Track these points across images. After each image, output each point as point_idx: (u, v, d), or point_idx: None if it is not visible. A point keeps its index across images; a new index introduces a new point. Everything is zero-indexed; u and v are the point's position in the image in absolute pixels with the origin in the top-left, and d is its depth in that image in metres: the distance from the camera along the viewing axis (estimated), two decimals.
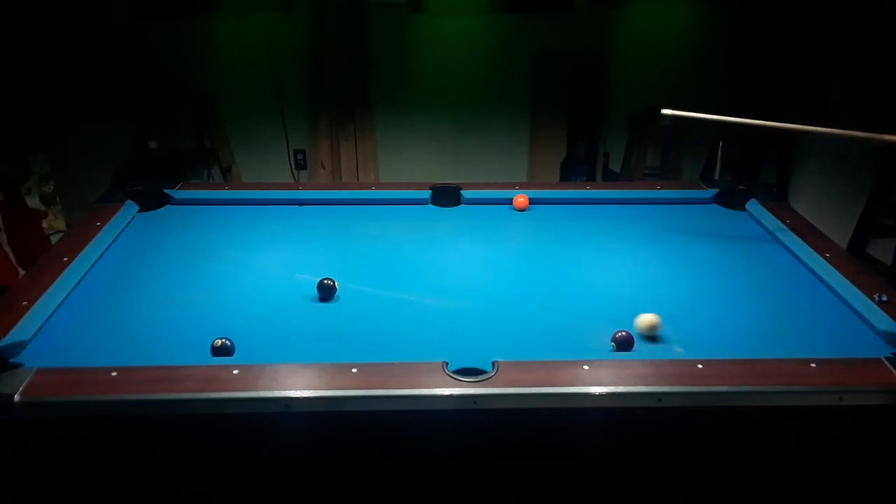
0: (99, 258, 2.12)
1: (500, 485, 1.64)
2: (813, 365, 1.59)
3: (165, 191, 2.57)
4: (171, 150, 4.40)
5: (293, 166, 4.66)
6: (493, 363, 1.58)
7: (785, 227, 2.32)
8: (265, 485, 1.61)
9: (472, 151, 4.64)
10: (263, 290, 2.02)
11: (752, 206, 2.53)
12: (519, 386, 1.53)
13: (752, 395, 1.54)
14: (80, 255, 2.07)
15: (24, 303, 1.81)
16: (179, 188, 2.61)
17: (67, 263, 2.02)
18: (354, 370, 1.56)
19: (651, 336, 1.76)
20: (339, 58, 4.35)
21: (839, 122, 2.43)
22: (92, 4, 4.15)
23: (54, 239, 4.06)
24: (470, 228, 2.43)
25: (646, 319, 1.76)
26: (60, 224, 4.17)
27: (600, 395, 1.53)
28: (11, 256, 3.80)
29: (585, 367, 1.58)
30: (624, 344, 1.70)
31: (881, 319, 1.79)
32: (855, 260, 2.14)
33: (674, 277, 2.11)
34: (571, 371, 1.57)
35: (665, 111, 2.31)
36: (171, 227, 2.41)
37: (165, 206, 2.54)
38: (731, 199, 2.59)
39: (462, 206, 2.59)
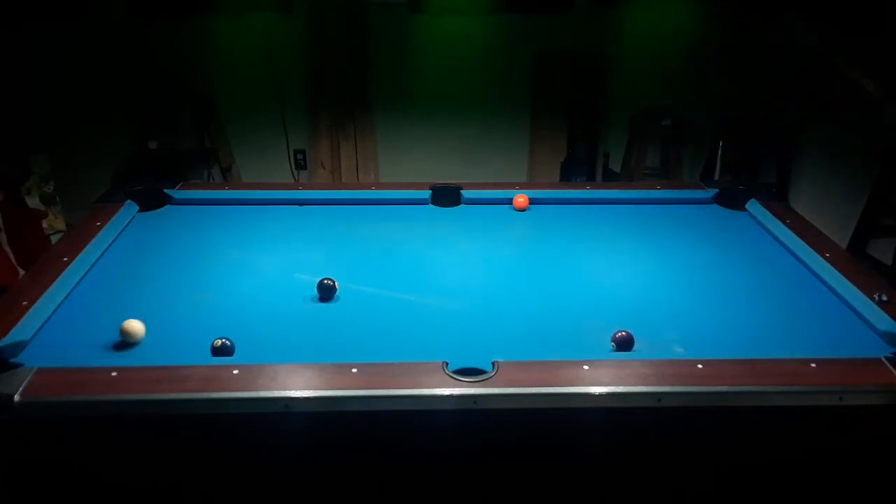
0: (99, 258, 2.12)
1: (500, 485, 1.64)
2: (813, 365, 1.59)
3: (165, 191, 2.57)
4: (171, 150, 4.40)
5: (293, 166, 4.66)
6: (493, 363, 1.58)
7: (785, 227, 2.32)
8: (265, 485, 1.61)
9: (472, 151, 4.63)
10: (263, 290, 2.02)
11: (752, 206, 2.53)
12: (519, 386, 1.53)
13: (752, 395, 1.54)
14: (80, 255, 2.07)
15: (24, 303, 1.81)
16: (179, 188, 2.61)
17: (67, 263, 2.02)
18: (354, 370, 1.56)
19: (130, 342, 1.72)
20: (339, 58, 4.35)
21: (839, 123, 2.44)
22: (92, 4, 4.15)
23: (54, 239, 4.06)
24: (470, 228, 2.43)
25: (130, 325, 1.72)
26: (60, 224, 4.17)
27: (600, 395, 1.53)
28: (11, 256, 3.80)
29: (585, 367, 1.58)
30: (624, 344, 1.70)
31: (881, 319, 1.79)
32: (855, 260, 2.14)
33: (674, 277, 2.11)
34: (571, 371, 1.57)
35: None
36: (171, 227, 2.41)
37: (165, 206, 2.54)
38: (731, 199, 2.59)
39: (462, 206, 2.59)
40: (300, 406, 1.51)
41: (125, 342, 1.71)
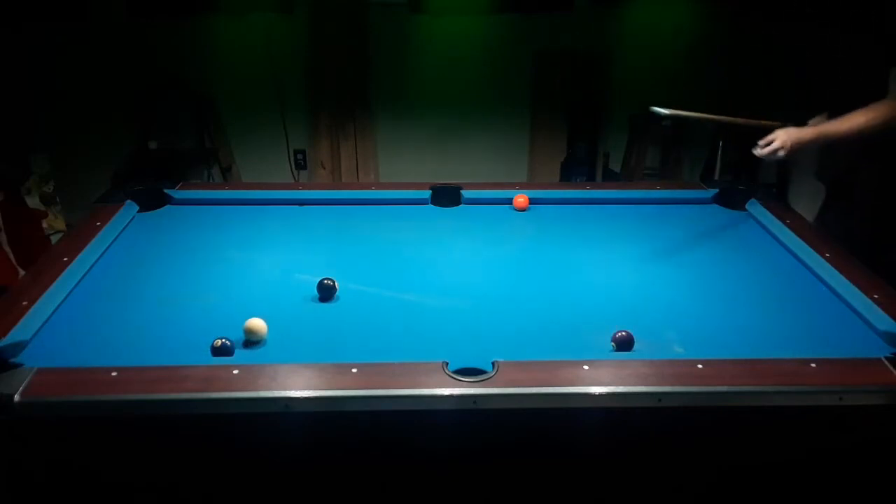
0: (99, 258, 2.12)
1: (500, 485, 1.64)
2: (813, 365, 1.59)
3: (165, 191, 2.57)
4: (171, 150, 4.40)
5: (293, 166, 4.66)
6: (493, 363, 1.58)
7: (785, 227, 2.32)
8: (265, 485, 1.61)
9: (472, 151, 4.64)
10: (263, 290, 2.02)
11: (752, 206, 2.53)
12: (519, 386, 1.53)
13: (752, 395, 1.54)
14: (80, 255, 2.07)
15: (24, 303, 1.81)
16: (179, 188, 2.61)
17: (67, 263, 2.02)
18: (354, 370, 1.56)
19: (252, 340, 1.72)
20: (339, 58, 4.35)
21: None
22: (92, 4, 4.15)
23: (54, 239, 4.06)
24: (470, 228, 2.43)
25: (254, 324, 1.73)
26: (60, 224, 4.17)
27: (600, 395, 1.53)
28: (11, 256, 3.80)
29: (585, 367, 1.58)
30: (624, 344, 1.70)
31: (881, 319, 1.79)
32: (855, 260, 2.14)
33: (674, 277, 2.11)
34: (571, 371, 1.57)
35: (658, 109, 2.38)
36: (171, 227, 2.41)
37: (165, 206, 2.54)
38: (731, 199, 2.59)
39: (462, 206, 2.59)
40: (300, 406, 1.50)
41: (249, 340, 1.72)
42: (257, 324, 1.73)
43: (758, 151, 2.31)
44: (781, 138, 2.27)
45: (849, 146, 2.40)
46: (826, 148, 2.64)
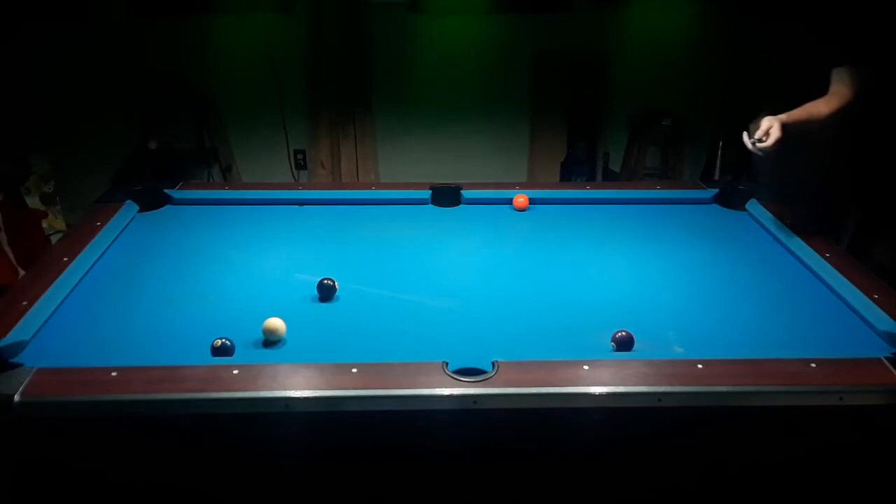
0: (99, 258, 2.12)
1: (500, 485, 1.64)
2: (813, 365, 1.60)
3: (165, 191, 2.57)
4: (171, 150, 4.39)
5: (293, 166, 4.66)
6: (493, 363, 1.58)
7: (785, 227, 2.32)
8: (265, 485, 1.61)
9: (472, 151, 4.63)
10: (263, 290, 2.02)
11: (752, 206, 2.53)
12: (519, 386, 1.53)
13: (752, 395, 1.55)
14: (80, 255, 2.07)
15: (24, 303, 1.81)
16: (179, 188, 2.61)
17: (67, 263, 2.02)
18: (354, 370, 1.56)
19: (272, 340, 1.74)
20: (339, 58, 4.35)
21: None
22: (92, 4, 4.15)
23: (54, 239, 4.06)
24: (470, 228, 2.43)
25: (272, 323, 1.74)
26: (60, 224, 4.16)
27: (600, 395, 1.53)
28: (11, 256, 3.80)
29: (585, 367, 1.58)
30: (624, 344, 1.70)
31: (881, 319, 1.79)
32: (855, 260, 2.14)
33: (674, 277, 2.11)
34: (571, 371, 1.57)
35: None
36: (171, 227, 2.41)
37: (165, 206, 2.54)
38: (731, 199, 2.59)
39: (462, 206, 2.59)
40: (300, 406, 1.51)
41: (268, 340, 1.73)
42: (277, 323, 1.73)
43: (760, 146, 2.16)
44: (777, 126, 2.16)
45: (811, 155, 2.38)
46: (789, 162, 2.55)
